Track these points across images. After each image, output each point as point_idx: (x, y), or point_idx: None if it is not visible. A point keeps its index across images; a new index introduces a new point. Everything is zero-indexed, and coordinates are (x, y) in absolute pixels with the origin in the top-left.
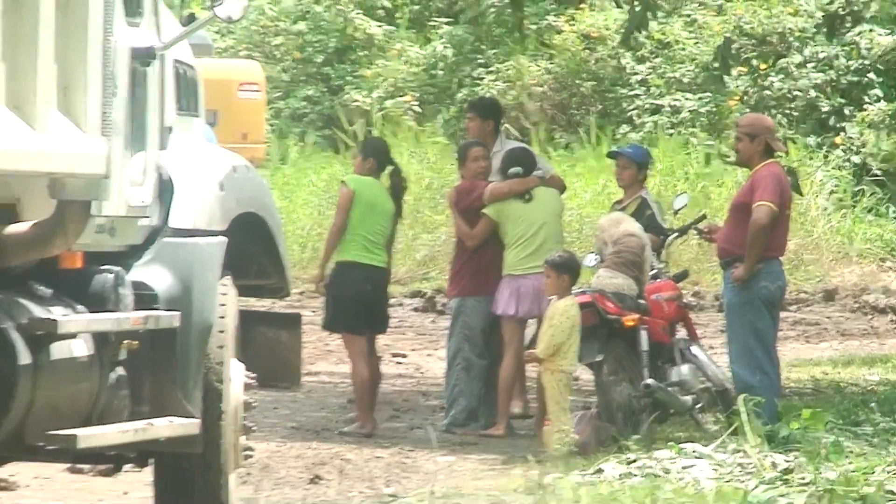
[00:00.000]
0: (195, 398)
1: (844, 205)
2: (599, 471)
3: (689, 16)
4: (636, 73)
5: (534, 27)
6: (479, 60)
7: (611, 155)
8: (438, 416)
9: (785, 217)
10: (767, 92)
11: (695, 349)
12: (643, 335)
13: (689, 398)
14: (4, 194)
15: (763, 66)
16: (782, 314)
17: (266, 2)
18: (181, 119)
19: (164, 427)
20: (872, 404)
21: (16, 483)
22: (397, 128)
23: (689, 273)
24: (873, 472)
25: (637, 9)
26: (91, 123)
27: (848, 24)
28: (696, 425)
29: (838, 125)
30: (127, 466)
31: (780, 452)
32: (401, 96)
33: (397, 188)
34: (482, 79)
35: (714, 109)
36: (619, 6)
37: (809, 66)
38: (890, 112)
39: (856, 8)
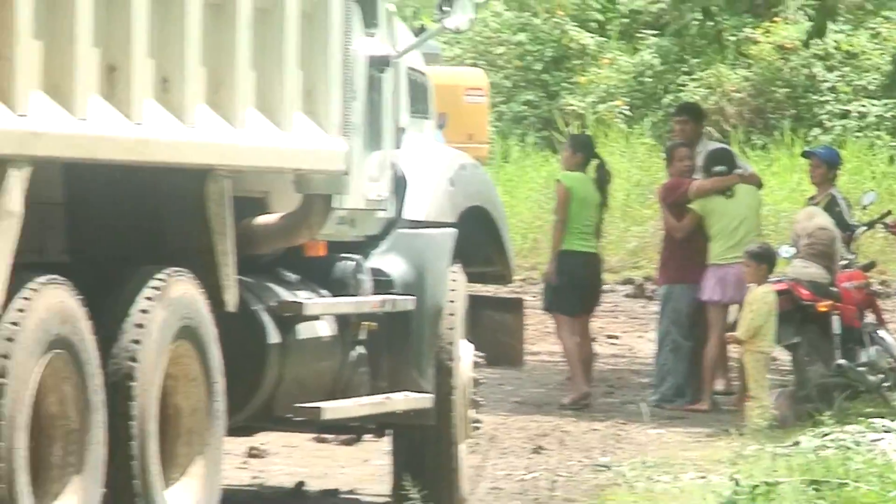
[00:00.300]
0: (428, 375)
1: None
2: (796, 443)
3: (873, 28)
4: (826, 81)
5: (732, 39)
6: (683, 69)
7: (804, 155)
8: (648, 393)
9: None
10: None
11: (882, 333)
12: (835, 320)
13: (877, 377)
14: (255, 188)
15: None
16: None
17: (489, 15)
18: (414, 121)
19: (401, 401)
20: None
21: (266, 451)
22: (609, 130)
23: (877, 263)
24: None
25: (818, 16)
26: (332, 124)
27: None
28: (884, 402)
29: None
30: (367, 436)
31: None
32: (612, 101)
33: (602, 179)
34: (686, 85)
35: None
36: (810, 19)
37: None
38: None
39: None
